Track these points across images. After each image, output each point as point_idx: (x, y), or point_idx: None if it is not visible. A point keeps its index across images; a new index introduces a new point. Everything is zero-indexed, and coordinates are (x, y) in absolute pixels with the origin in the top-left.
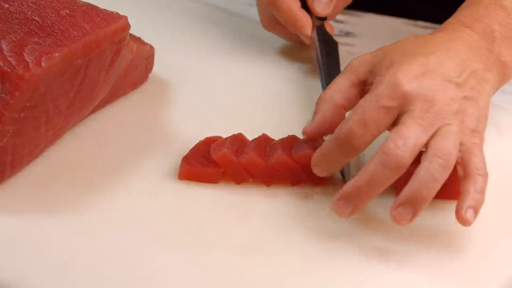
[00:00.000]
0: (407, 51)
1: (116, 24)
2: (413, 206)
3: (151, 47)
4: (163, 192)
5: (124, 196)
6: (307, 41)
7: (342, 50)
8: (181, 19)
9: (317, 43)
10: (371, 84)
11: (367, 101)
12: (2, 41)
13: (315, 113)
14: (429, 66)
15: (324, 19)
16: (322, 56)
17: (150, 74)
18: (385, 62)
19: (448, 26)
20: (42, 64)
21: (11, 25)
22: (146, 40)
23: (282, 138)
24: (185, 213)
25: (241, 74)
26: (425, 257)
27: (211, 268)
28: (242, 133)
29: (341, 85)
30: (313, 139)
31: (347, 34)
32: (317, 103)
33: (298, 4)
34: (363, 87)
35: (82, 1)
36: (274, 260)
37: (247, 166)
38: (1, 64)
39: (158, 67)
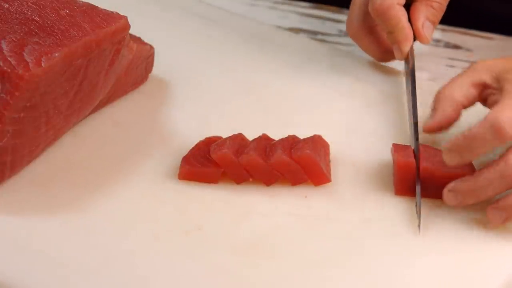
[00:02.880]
0: None
1: (116, 24)
2: (507, 214)
3: (151, 47)
4: (163, 191)
5: (124, 196)
6: (400, 56)
7: (342, 50)
8: (181, 19)
9: (413, 61)
10: (494, 89)
11: (510, 102)
12: (2, 41)
13: (434, 109)
14: None
15: None
16: (412, 77)
17: (150, 74)
18: None
19: None
20: (42, 64)
21: (11, 25)
22: (146, 40)
23: (282, 138)
24: (185, 213)
25: (241, 74)
26: (426, 257)
27: (211, 268)
28: (242, 133)
29: (462, 84)
30: (314, 141)
31: (347, 34)
32: (436, 99)
33: (406, 17)
34: (483, 90)
35: (82, 1)
36: (274, 260)
37: (247, 166)
38: (1, 64)
39: (158, 67)
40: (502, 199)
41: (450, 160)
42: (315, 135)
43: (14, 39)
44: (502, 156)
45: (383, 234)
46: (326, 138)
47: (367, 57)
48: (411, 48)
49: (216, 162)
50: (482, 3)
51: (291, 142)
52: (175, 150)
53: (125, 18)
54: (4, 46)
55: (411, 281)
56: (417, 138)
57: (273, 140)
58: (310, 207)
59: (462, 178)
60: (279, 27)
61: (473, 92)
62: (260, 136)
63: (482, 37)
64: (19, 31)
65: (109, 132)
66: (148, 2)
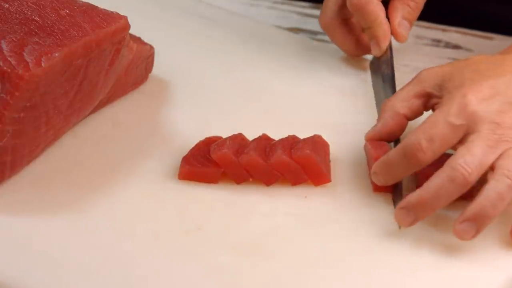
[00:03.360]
0: (478, 71)
1: (116, 24)
2: (478, 223)
3: (151, 47)
4: (163, 192)
5: (124, 196)
6: (377, 52)
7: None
8: (181, 19)
9: (391, 56)
10: (437, 98)
11: (436, 117)
12: (2, 41)
13: (378, 119)
14: (498, 88)
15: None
16: (388, 75)
17: (150, 74)
18: (456, 81)
19: None
20: (42, 64)
21: (11, 25)
22: (146, 40)
23: (282, 138)
24: (185, 213)
25: (241, 74)
26: (426, 257)
27: (211, 268)
28: (242, 133)
29: (406, 95)
30: (314, 141)
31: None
32: (381, 109)
33: (384, 13)
34: (428, 99)
35: (82, 1)
36: (274, 260)
37: (247, 166)
38: (1, 64)
39: (158, 67)
40: (466, 211)
41: (376, 180)
42: (315, 135)
43: (14, 39)
44: (447, 162)
45: (383, 234)
46: (326, 138)
47: (367, 57)
48: (390, 45)
49: (216, 162)
50: (482, 3)
51: (291, 142)
52: (175, 150)
53: (125, 18)
54: (4, 46)
55: (412, 281)
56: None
57: (273, 140)
58: (310, 207)
59: (411, 194)
60: (279, 27)
61: (417, 103)
62: (260, 136)
63: (482, 37)
64: (19, 31)
65: (109, 132)
66: (148, 2)
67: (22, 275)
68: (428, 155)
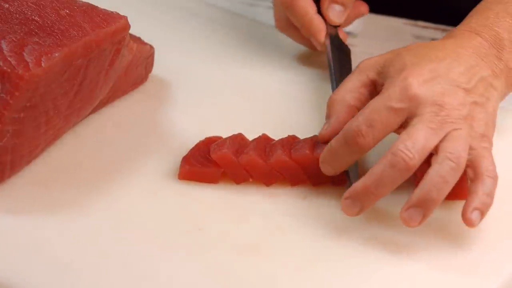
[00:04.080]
0: (418, 55)
1: (116, 24)
2: (424, 208)
3: (151, 47)
4: (163, 192)
5: (124, 196)
6: (319, 47)
7: None
8: (181, 19)
9: (329, 50)
10: (382, 85)
11: (376, 102)
12: (2, 41)
13: (329, 115)
14: (439, 71)
15: (337, 26)
16: (334, 63)
17: (150, 74)
18: (396, 65)
19: (458, 33)
20: (42, 64)
21: (11, 25)
22: (146, 40)
23: (282, 138)
24: (185, 213)
25: (241, 74)
26: (426, 257)
27: (211, 268)
28: (242, 133)
29: (352, 86)
30: (314, 141)
31: (347, 34)
32: (328, 105)
33: (314, 9)
34: (374, 88)
35: (82, 1)
36: (274, 260)
37: (247, 166)
38: (1, 64)
39: (158, 67)
40: (411, 198)
41: (324, 170)
42: (315, 135)
43: (14, 39)
44: (390, 148)
45: (384, 234)
46: None
47: (367, 57)
48: (333, 35)
49: (216, 162)
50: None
51: (291, 142)
52: (175, 150)
53: (125, 18)
54: (4, 46)
55: (412, 281)
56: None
57: (273, 140)
58: (310, 207)
59: (355, 183)
60: None
61: (364, 92)
62: (260, 136)
63: None
64: (19, 31)
65: (109, 132)
66: (148, 2)
67: (21, 275)
68: (368, 140)
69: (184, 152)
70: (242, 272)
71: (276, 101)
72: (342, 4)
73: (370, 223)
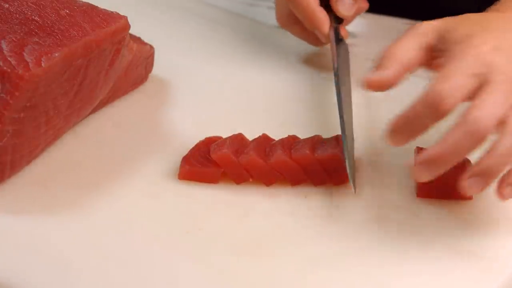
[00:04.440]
0: (483, 23)
1: (116, 24)
2: (485, 179)
3: (151, 47)
4: (163, 192)
5: (124, 196)
6: (323, 39)
7: None
8: (181, 19)
9: (333, 42)
10: (441, 50)
11: (453, 66)
12: (2, 41)
13: (380, 66)
14: (507, 41)
15: (341, 22)
16: (338, 56)
17: (150, 74)
18: (463, 31)
19: (503, 9)
20: (42, 64)
21: (11, 25)
22: (146, 40)
23: (282, 138)
24: (185, 213)
25: (241, 74)
26: (426, 257)
27: (211, 268)
28: (242, 133)
29: (409, 46)
30: (314, 141)
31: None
32: (384, 56)
33: (317, 1)
34: (430, 52)
35: (82, 1)
36: (274, 260)
37: (247, 166)
38: (1, 64)
39: (158, 67)
40: (474, 167)
41: (393, 140)
42: (315, 135)
43: (14, 39)
44: (463, 116)
45: (383, 234)
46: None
47: (367, 57)
48: (336, 29)
49: (216, 162)
50: (482, 3)
51: (291, 142)
52: (175, 150)
53: (125, 18)
54: (4, 46)
55: (412, 281)
56: (343, 131)
57: (273, 140)
58: (310, 207)
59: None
60: (278, 27)
61: (417, 54)
62: (260, 136)
63: None
64: (19, 31)
65: (109, 132)
66: (148, 2)
67: (22, 275)
68: (450, 105)
69: (184, 152)
70: (242, 272)
71: (276, 101)
72: None
73: (370, 223)
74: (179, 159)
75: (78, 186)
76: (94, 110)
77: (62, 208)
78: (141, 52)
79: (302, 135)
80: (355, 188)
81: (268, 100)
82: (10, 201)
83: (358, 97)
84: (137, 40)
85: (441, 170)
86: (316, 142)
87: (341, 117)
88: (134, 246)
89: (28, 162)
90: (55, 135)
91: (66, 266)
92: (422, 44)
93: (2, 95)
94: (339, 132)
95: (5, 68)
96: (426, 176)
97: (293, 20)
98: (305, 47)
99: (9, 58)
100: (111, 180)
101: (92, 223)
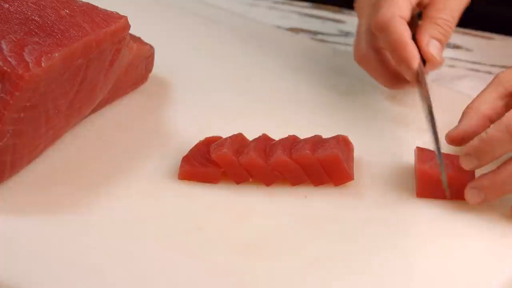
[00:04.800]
0: None
1: (116, 24)
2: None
3: (151, 47)
4: (163, 192)
5: (124, 196)
6: (408, 75)
7: (342, 50)
8: (181, 19)
9: (424, 79)
10: None
11: None
12: (2, 41)
13: (460, 121)
14: None
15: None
16: (428, 98)
17: (150, 74)
18: None
19: None
20: (42, 64)
21: (11, 25)
22: (146, 40)
23: (282, 138)
24: (185, 213)
25: (241, 74)
26: (426, 257)
27: (211, 268)
28: (242, 133)
29: (488, 97)
30: (314, 141)
31: (347, 34)
32: (463, 113)
33: (410, 35)
34: (510, 99)
35: (82, 1)
36: (274, 260)
37: (247, 166)
38: (1, 64)
39: (158, 67)
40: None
41: (468, 164)
42: (315, 135)
43: (14, 39)
44: None
45: (383, 234)
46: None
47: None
48: (422, 73)
49: (216, 162)
50: (483, 3)
51: (291, 142)
52: (175, 150)
53: (125, 18)
54: (4, 46)
55: (411, 282)
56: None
57: (273, 140)
58: (310, 207)
59: (484, 175)
60: (279, 27)
61: (500, 103)
62: (260, 136)
63: (482, 37)
64: (19, 31)
65: (109, 132)
66: (148, 2)
67: (22, 275)
68: None
69: (184, 152)
70: (242, 272)
71: (276, 101)
72: (440, 42)
73: (371, 224)
74: (179, 159)
75: (78, 186)
76: (94, 110)
77: (62, 208)
78: (141, 52)
79: (302, 135)
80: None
81: (268, 100)
82: (10, 201)
83: (357, 96)
84: (137, 40)
85: (491, 199)
86: (316, 142)
87: (439, 153)
88: (134, 246)
89: (28, 162)
90: (55, 135)
91: (66, 266)
92: (501, 93)
93: (2, 95)
94: (339, 132)
95: (5, 68)
96: (476, 201)
97: (372, 56)
98: (305, 47)
99: (9, 58)
100: (111, 180)
101: (92, 223)
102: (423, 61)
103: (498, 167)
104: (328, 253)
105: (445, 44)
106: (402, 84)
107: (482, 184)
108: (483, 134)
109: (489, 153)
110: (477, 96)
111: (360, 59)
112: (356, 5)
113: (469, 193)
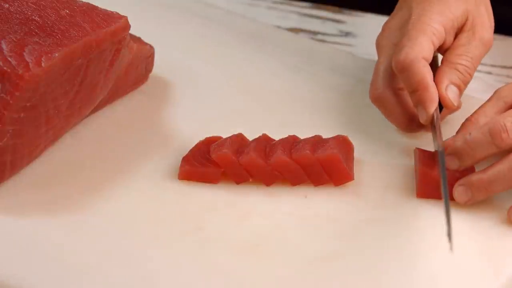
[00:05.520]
0: None
1: (116, 24)
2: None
3: (151, 47)
4: (163, 192)
5: (124, 196)
6: (423, 119)
7: (342, 50)
8: (181, 19)
9: (439, 123)
10: None
11: None
12: (2, 41)
13: (458, 131)
14: None
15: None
16: (441, 136)
17: (150, 74)
18: None
19: None
20: (42, 64)
21: (11, 25)
22: (146, 40)
23: (282, 138)
24: (185, 213)
25: (241, 74)
26: (426, 257)
27: (211, 268)
28: (242, 133)
29: (488, 111)
30: (314, 141)
31: (347, 34)
32: (461, 126)
33: (432, 76)
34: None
35: (82, 1)
36: (274, 260)
37: (247, 166)
38: (1, 64)
39: (158, 67)
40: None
41: (450, 164)
42: (315, 135)
43: (14, 39)
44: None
45: (383, 234)
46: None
47: (367, 57)
48: (437, 117)
49: (216, 162)
50: None
51: (291, 142)
52: (175, 150)
53: (125, 18)
54: (4, 46)
55: (411, 282)
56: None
57: (273, 140)
58: (310, 207)
59: (473, 173)
60: (278, 27)
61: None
62: (260, 136)
63: None
64: (19, 31)
65: (109, 132)
66: (148, 2)
67: (22, 275)
68: (510, 137)
69: (184, 152)
70: (242, 272)
71: (277, 101)
72: (459, 88)
73: (371, 224)
74: (179, 159)
75: (78, 186)
76: (94, 110)
77: (62, 208)
78: (141, 52)
79: (302, 135)
80: (452, 245)
81: (268, 100)
82: (10, 201)
83: (357, 96)
84: (137, 40)
85: (478, 198)
86: (316, 142)
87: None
88: (134, 246)
89: (28, 162)
90: (55, 135)
91: (66, 266)
92: (501, 108)
93: (2, 95)
94: (339, 132)
95: (5, 68)
96: (464, 199)
97: (389, 97)
98: (305, 47)
99: (9, 58)
100: (111, 180)
101: (92, 223)
102: (439, 105)
103: (487, 167)
104: (328, 253)
105: (463, 91)
106: (416, 127)
107: (470, 182)
108: (467, 136)
109: (470, 154)
110: (477, 110)
111: (376, 98)
112: (377, 43)
113: (456, 191)
